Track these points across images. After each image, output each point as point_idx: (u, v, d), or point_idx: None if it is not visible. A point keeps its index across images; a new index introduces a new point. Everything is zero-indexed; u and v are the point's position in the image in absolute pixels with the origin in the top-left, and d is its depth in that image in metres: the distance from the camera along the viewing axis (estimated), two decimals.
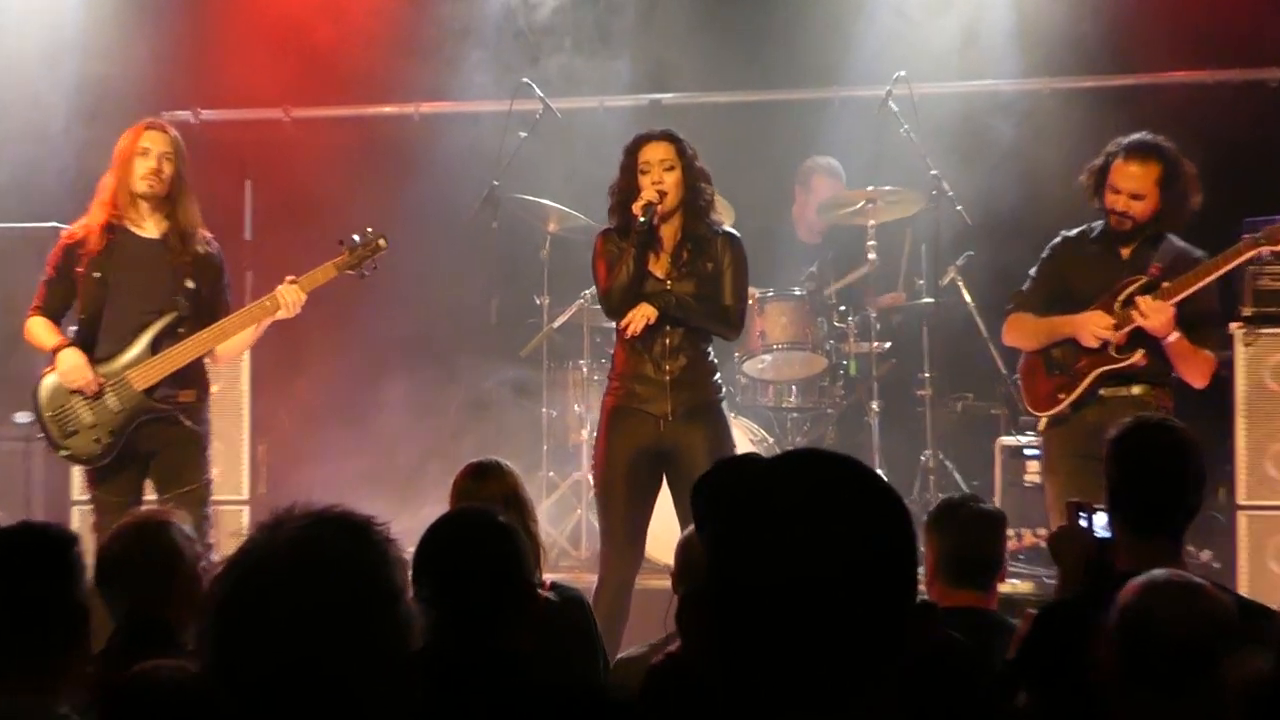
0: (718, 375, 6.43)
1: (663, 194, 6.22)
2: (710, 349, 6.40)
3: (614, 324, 6.39)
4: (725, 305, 6.28)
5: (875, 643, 1.74)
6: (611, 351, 6.50)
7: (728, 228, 6.42)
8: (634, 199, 6.26)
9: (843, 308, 8.81)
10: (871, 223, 8.69)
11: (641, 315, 6.12)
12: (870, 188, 8.71)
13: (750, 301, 7.74)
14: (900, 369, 8.93)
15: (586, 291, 8.39)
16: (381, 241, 6.74)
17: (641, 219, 6.11)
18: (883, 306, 8.90)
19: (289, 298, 6.62)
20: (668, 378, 6.25)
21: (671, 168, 6.23)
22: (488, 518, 3.46)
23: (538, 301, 8.84)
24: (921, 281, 8.97)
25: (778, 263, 8.91)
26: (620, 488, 6.23)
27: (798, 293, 8.61)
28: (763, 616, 1.72)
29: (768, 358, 8.56)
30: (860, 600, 1.72)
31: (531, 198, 8.77)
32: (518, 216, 8.93)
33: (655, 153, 6.26)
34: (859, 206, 8.73)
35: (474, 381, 9.00)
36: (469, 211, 8.76)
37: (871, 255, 8.67)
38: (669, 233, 6.32)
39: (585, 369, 8.79)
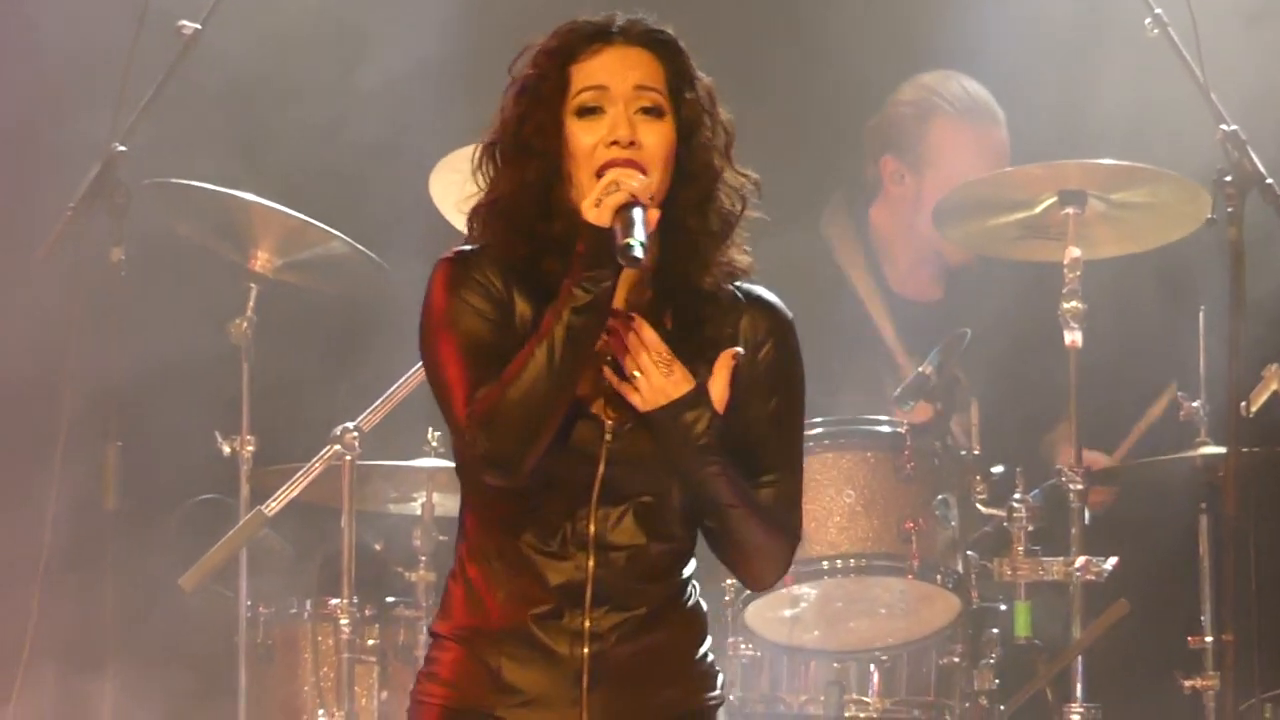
0: (705, 645, 3.63)
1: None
2: (691, 574, 3.62)
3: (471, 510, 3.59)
4: (780, 477, 3.56)
5: None
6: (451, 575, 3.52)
7: (758, 289, 3.75)
8: (558, 177, 3.57)
9: (998, 468, 5.83)
10: (1075, 252, 5.78)
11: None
12: (1071, 161, 5.93)
13: None
14: (1148, 621, 5.77)
15: (436, 433, 5.73)
16: None
17: (634, 242, 3.35)
18: (1097, 465, 5.96)
19: None
20: (585, 650, 3.51)
21: (654, 111, 3.58)
22: None
23: (222, 446, 5.68)
24: (1197, 405, 5.81)
25: (833, 350, 6.12)
26: None
27: (886, 430, 5.74)
28: None
29: (811, 592, 5.62)
30: None
31: (210, 187, 5.55)
32: (167, 240, 5.81)
33: (620, 70, 3.59)
34: (1046, 206, 5.86)
35: None
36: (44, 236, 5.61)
37: (1074, 335, 5.73)
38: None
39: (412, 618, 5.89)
